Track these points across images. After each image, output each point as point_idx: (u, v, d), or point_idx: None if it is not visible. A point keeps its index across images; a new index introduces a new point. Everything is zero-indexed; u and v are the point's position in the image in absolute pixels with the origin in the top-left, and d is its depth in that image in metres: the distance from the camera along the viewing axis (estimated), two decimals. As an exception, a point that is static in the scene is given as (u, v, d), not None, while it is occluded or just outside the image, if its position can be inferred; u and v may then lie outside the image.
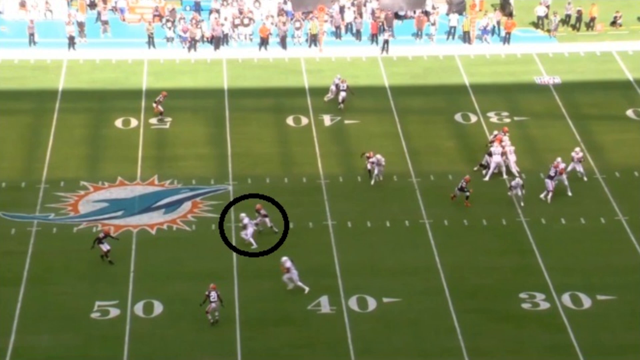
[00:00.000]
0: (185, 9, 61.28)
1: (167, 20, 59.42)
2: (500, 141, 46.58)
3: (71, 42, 57.43)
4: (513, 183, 44.47)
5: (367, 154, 45.77)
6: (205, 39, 58.75)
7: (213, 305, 37.06)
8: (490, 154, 46.45)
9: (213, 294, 37.07)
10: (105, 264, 40.28)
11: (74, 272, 39.96)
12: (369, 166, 45.67)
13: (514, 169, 46.43)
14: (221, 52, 58.19)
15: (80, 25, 58.67)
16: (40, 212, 43.66)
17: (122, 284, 39.31)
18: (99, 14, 60.43)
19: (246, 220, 41.63)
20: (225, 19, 59.37)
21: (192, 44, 58.18)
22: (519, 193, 44.13)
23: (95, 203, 44.52)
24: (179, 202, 44.67)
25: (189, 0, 61.73)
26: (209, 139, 49.73)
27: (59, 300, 38.41)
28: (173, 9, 60.33)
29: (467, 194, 43.95)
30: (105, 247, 40.23)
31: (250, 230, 41.62)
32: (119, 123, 50.72)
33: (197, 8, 60.90)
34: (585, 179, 46.22)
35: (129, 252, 41.18)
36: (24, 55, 56.85)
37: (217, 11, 59.93)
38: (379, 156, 45.47)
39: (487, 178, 46.28)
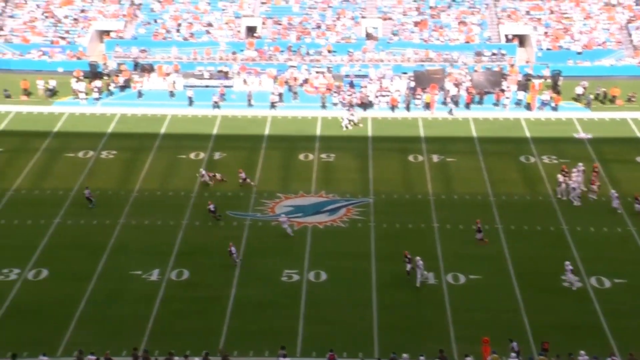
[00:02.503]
0: (345, 85, 61.47)
1: (334, 92, 59.70)
2: (568, 172, 45.47)
3: (273, 105, 57.96)
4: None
5: (405, 257, 37.74)
6: (357, 104, 58.73)
7: (234, 256, 37.99)
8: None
9: (233, 249, 38.09)
10: (290, 247, 40.48)
11: (271, 250, 40.13)
12: (408, 267, 37.58)
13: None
14: (368, 113, 57.78)
15: (280, 95, 59.16)
16: (251, 211, 43.90)
17: (301, 259, 39.34)
18: (290, 87, 61.07)
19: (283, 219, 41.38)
20: (370, 91, 59.32)
21: (349, 107, 58.25)
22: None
23: (285, 207, 44.28)
24: (338, 209, 44.47)
25: (347, 79, 61.89)
26: (358, 168, 49.34)
27: (261, 267, 38.57)
28: (338, 85, 60.57)
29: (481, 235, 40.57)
30: (216, 216, 41.82)
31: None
32: (301, 156, 50.78)
33: (352, 84, 61.01)
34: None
35: (305, 240, 41.21)
36: (244, 113, 57.43)
37: (366, 86, 60.01)
38: (417, 258, 37.59)
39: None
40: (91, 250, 39.81)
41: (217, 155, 50.81)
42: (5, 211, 43.59)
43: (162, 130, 54.68)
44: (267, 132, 54.45)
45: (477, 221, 41.29)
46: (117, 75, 61.81)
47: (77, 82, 59.66)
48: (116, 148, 51.65)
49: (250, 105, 58.37)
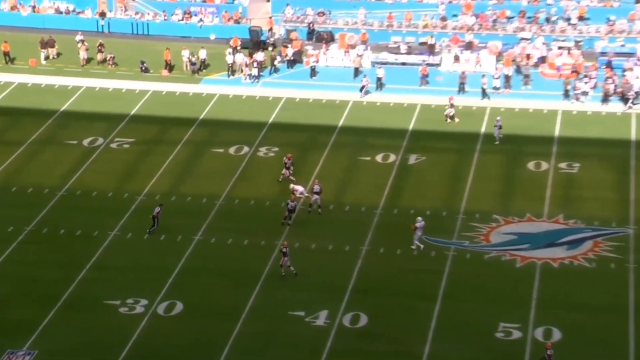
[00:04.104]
0: (600, 67, 59.79)
1: (585, 76, 58.25)
2: None
3: (484, 93, 57.59)
4: None
5: None
6: (617, 94, 56.90)
7: (285, 259, 39.60)
8: None
9: (286, 250, 39.97)
10: (510, 290, 40.07)
11: (483, 294, 39.84)
12: None
13: None
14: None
15: (507, 77, 58.61)
16: (457, 238, 43.79)
17: (525, 309, 38.61)
18: (519, 67, 60.21)
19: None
20: (637, 77, 57.26)
21: (605, 98, 56.53)
22: None
23: (505, 235, 44.06)
24: (581, 241, 43.47)
25: (604, 59, 60.26)
26: (613, 185, 48.13)
27: (468, 317, 38.33)
28: (592, 65, 59.17)
29: None
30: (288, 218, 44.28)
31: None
32: (530, 165, 50.19)
33: (610, 65, 59.26)
34: None
35: (532, 281, 40.46)
36: (454, 103, 56.97)
37: (631, 69, 58.05)
38: None
39: None
40: (240, 278, 40.86)
41: (412, 159, 51.03)
42: (133, 222, 45.27)
43: (340, 121, 55.45)
44: (483, 129, 54.18)
45: None
46: (286, 46, 63.41)
47: (233, 53, 61.75)
48: (278, 143, 52.76)
49: (462, 91, 58.31)
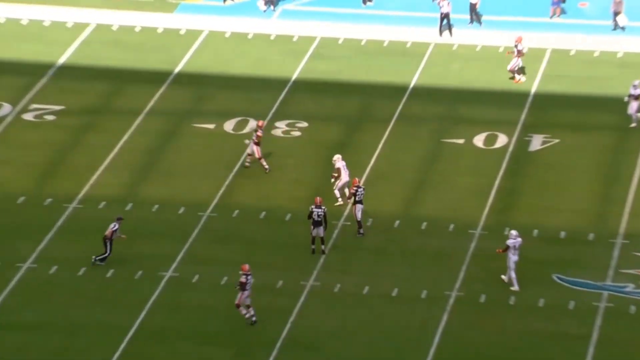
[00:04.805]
0: None
1: None
2: None
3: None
4: None
5: None
6: None
7: (244, 293, 40.65)
8: None
9: (249, 279, 40.67)
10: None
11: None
12: None
13: None
14: None
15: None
16: (613, 280, 43.07)
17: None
18: None
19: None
20: None
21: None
22: None
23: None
24: None
25: None
26: None
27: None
28: None
29: None
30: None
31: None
32: None
33: None
34: None
35: None
36: (603, 44, 57.93)
37: None
38: None
39: None
40: (240, 345, 40.32)
41: (535, 143, 52.01)
42: (61, 247, 45.00)
43: (414, 77, 55.89)
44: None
45: None
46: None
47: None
48: (308, 114, 53.18)
49: (618, 27, 58.43)
